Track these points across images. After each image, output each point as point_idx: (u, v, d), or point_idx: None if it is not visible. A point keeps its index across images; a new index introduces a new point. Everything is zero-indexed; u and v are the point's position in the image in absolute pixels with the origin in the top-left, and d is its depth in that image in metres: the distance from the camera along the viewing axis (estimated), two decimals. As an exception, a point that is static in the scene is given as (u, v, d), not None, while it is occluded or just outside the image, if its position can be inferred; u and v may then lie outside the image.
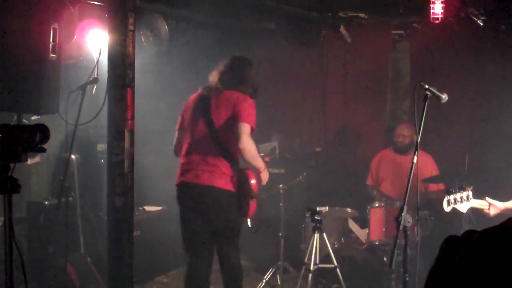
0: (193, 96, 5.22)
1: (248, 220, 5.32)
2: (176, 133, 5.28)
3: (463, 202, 4.27)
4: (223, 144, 4.97)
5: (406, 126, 6.73)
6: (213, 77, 5.16)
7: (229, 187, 4.95)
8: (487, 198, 4.51)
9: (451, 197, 4.18)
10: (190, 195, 5.00)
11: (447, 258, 0.71)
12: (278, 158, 7.29)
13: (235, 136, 4.85)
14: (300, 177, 6.38)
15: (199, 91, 5.20)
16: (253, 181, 5.06)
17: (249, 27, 7.56)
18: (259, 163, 5.07)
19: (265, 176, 5.17)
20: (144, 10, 6.40)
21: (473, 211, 5.94)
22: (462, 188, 4.28)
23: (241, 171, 5.02)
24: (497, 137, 7.09)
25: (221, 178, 4.93)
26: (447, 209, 4.18)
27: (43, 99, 4.59)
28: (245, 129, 4.86)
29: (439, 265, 0.72)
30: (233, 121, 4.90)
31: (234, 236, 5.07)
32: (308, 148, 7.81)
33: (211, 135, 4.98)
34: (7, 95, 4.44)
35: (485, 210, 4.50)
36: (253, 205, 5.04)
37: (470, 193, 4.35)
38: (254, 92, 5.13)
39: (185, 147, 5.12)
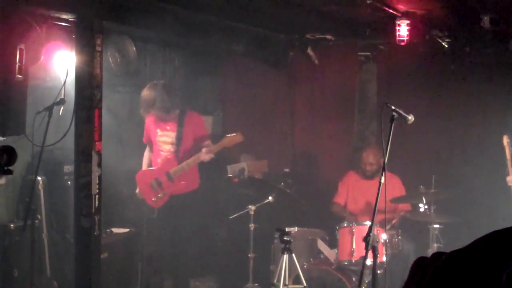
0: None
1: None
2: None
3: None
4: None
5: (373, 152, 6.71)
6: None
7: None
8: None
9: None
10: None
11: (415, 280, 0.71)
12: (247, 179, 7.26)
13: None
14: (269, 198, 6.37)
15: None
16: None
17: (217, 48, 7.58)
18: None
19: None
20: (112, 31, 6.37)
21: (441, 230, 6.02)
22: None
23: None
24: (462, 156, 7.19)
25: None
26: None
27: (9, 120, 4.55)
28: None
29: (408, 287, 0.72)
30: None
31: None
32: (277, 168, 7.82)
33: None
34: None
35: None
36: None
37: None
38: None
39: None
